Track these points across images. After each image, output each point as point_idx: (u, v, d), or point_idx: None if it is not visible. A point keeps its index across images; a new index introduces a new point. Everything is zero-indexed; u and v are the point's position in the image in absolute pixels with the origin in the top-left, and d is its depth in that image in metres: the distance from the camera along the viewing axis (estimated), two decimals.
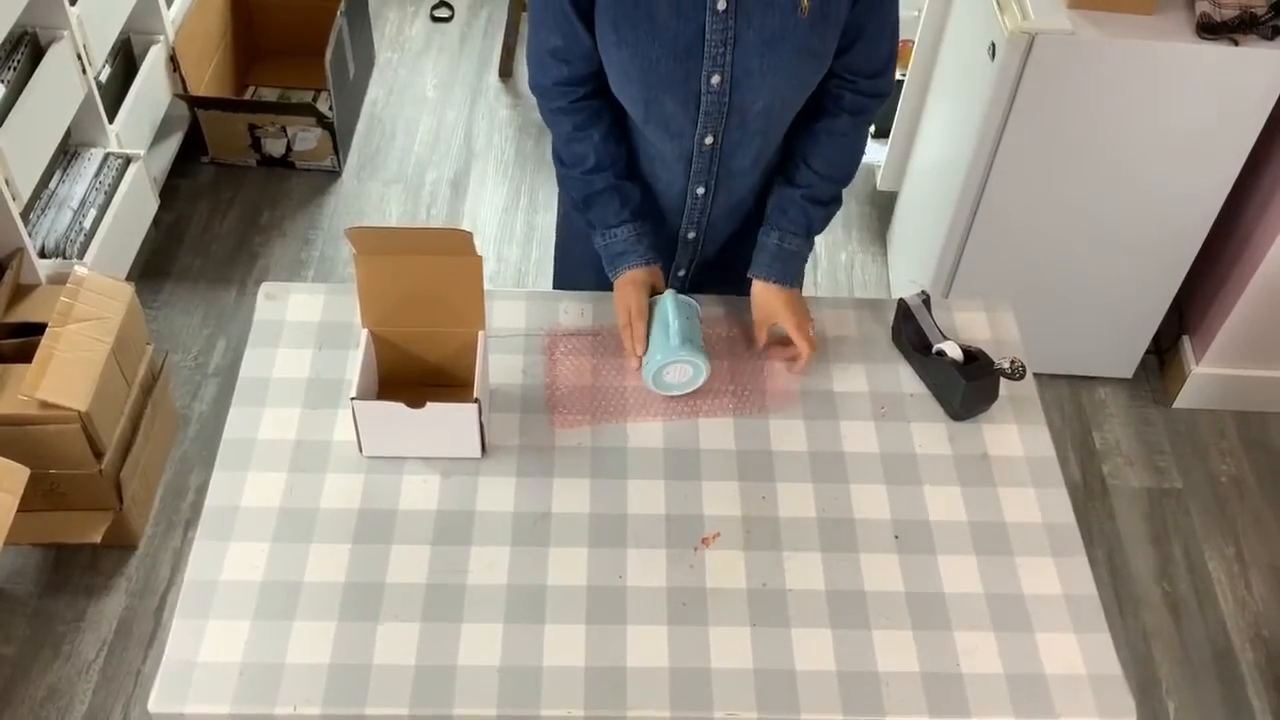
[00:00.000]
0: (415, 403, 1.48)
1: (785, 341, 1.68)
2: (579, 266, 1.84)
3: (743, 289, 1.72)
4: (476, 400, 1.49)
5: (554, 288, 1.93)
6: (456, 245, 1.48)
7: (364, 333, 1.56)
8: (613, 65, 1.54)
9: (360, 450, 1.54)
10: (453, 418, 1.50)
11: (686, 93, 1.53)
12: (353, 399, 1.49)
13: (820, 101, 1.62)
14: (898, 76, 3.26)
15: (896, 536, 1.50)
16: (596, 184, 1.64)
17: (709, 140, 1.59)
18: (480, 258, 1.49)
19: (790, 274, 1.67)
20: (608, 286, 1.68)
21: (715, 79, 1.51)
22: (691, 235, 1.75)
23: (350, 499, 1.50)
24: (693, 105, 1.54)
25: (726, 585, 1.44)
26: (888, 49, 1.60)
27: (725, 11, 1.45)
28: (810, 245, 1.69)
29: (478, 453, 1.54)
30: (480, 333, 1.55)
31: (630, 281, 1.64)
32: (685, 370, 1.59)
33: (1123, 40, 2.20)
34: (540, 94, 1.63)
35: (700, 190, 1.67)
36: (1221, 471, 2.70)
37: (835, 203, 1.70)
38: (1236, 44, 2.19)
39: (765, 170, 1.68)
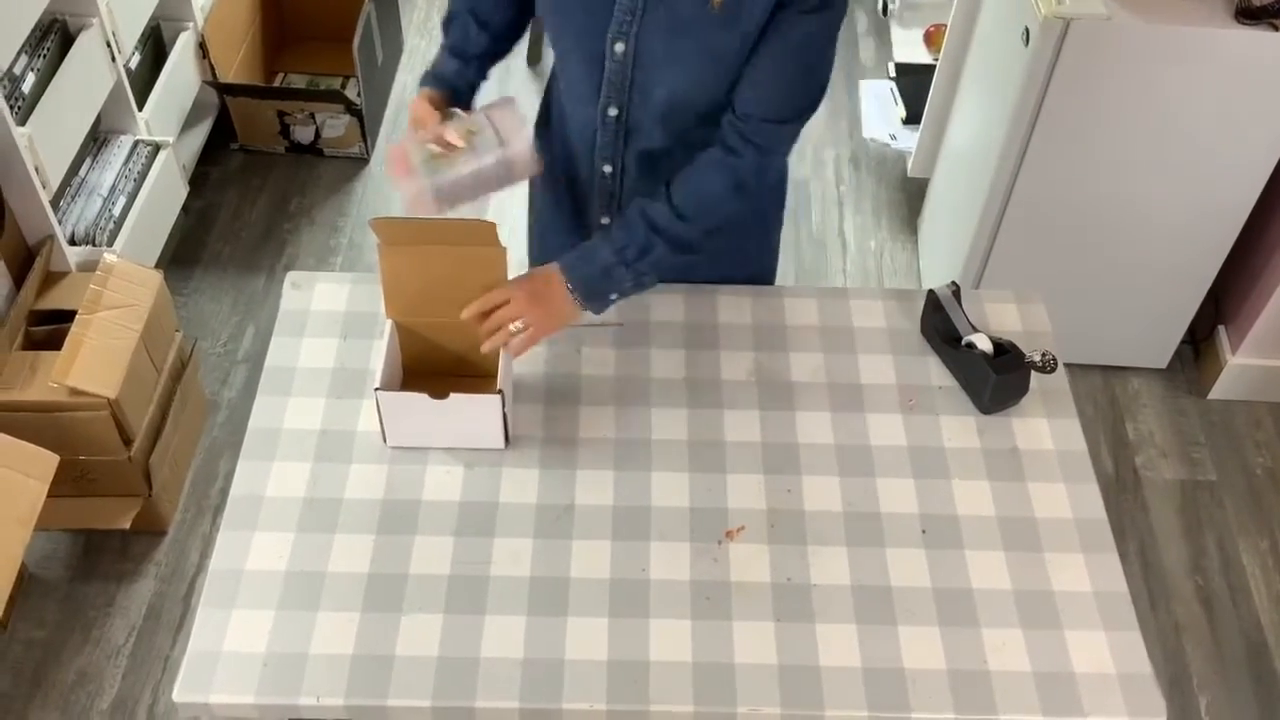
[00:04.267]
0: (439, 393, 1.48)
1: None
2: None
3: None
4: (500, 391, 1.48)
5: None
6: (481, 237, 1.47)
7: (388, 323, 1.55)
8: (543, 24, 1.56)
9: (384, 441, 1.54)
10: (476, 408, 1.49)
11: (591, 53, 1.51)
12: (376, 389, 1.48)
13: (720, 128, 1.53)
14: (930, 61, 3.23)
15: (924, 531, 1.48)
16: (458, 5, 1.61)
17: (613, 112, 1.56)
18: (504, 249, 1.49)
19: (576, 269, 1.51)
20: None
21: (619, 46, 1.48)
22: (605, 221, 1.70)
23: (374, 490, 1.50)
24: (597, 69, 1.52)
25: (750, 579, 1.43)
26: (784, 100, 1.47)
27: None
28: (618, 270, 1.51)
29: (501, 444, 1.54)
30: None
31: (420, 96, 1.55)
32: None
33: (1159, 25, 2.16)
34: (446, 20, 1.63)
35: (607, 169, 1.64)
36: (1257, 464, 2.66)
37: (671, 243, 1.52)
38: (1276, 29, 2.14)
39: (676, 171, 1.56)
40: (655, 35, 1.46)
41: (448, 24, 1.64)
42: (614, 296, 1.56)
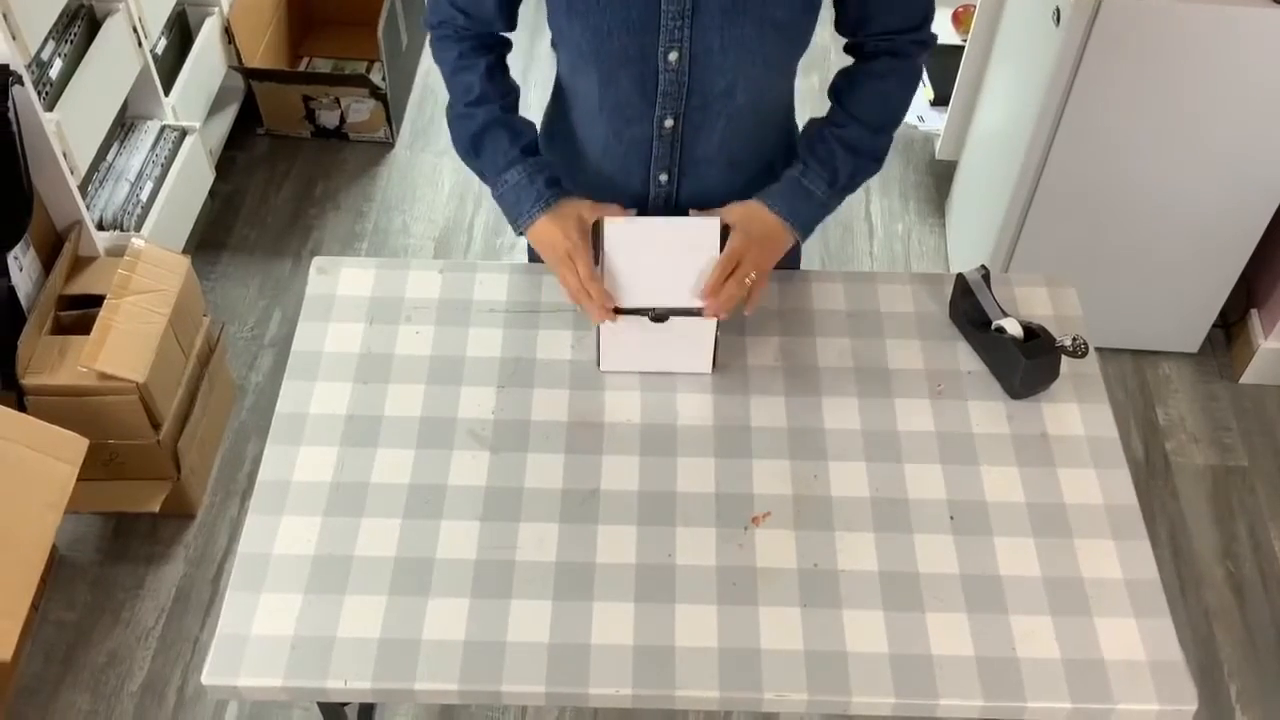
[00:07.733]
0: (658, 317, 1.54)
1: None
2: None
3: None
4: (715, 317, 1.54)
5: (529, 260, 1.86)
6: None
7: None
8: (567, 44, 1.50)
9: (599, 366, 1.60)
10: (690, 331, 1.55)
11: (644, 71, 1.47)
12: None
13: (860, 49, 1.57)
14: (958, 42, 3.20)
15: (952, 517, 1.47)
16: (480, 118, 1.56)
17: (669, 123, 1.53)
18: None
19: (798, 212, 1.55)
20: None
21: (673, 56, 1.44)
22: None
23: (400, 474, 1.50)
24: (651, 85, 1.48)
25: (777, 565, 1.42)
26: (918, 3, 1.52)
27: None
28: (833, 201, 1.57)
29: (708, 368, 1.60)
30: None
31: (544, 229, 1.55)
32: None
33: (1193, 4, 2.12)
34: (430, 27, 1.60)
35: (664, 178, 1.60)
36: None
37: (869, 158, 1.58)
38: None
39: (735, 163, 1.59)
40: (710, 31, 1.43)
41: (479, 143, 1.58)
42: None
